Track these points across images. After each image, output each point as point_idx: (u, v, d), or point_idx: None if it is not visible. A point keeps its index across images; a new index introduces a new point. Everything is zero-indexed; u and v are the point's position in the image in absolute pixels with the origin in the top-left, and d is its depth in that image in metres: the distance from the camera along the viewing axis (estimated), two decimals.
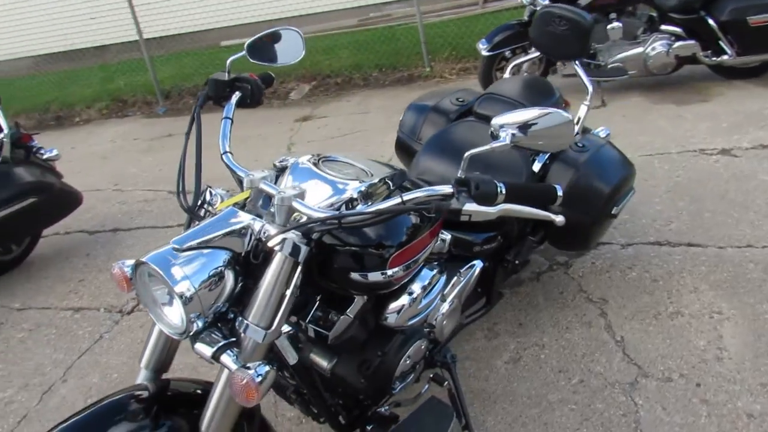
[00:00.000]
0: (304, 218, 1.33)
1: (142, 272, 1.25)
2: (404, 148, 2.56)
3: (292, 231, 1.27)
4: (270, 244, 1.28)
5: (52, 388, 2.55)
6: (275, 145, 5.10)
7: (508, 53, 4.68)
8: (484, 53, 4.74)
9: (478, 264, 2.04)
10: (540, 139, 1.36)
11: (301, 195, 1.35)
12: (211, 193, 1.47)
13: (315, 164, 1.58)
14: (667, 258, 2.71)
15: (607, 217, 2.23)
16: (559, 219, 1.40)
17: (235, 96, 1.68)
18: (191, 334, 1.25)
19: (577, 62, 2.51)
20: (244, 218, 1.32)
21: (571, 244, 2.40)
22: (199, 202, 1.47)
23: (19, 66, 9.05)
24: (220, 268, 1.26)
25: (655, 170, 3.48)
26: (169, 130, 6.14)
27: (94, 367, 2.65)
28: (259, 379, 1.20)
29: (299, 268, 1.29)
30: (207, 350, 1.25)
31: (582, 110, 2.52)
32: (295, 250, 1.26)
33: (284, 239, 1.26)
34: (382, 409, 1.81)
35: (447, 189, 1.30)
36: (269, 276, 1.28)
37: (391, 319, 1.63)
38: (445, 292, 1.91)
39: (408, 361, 1.78)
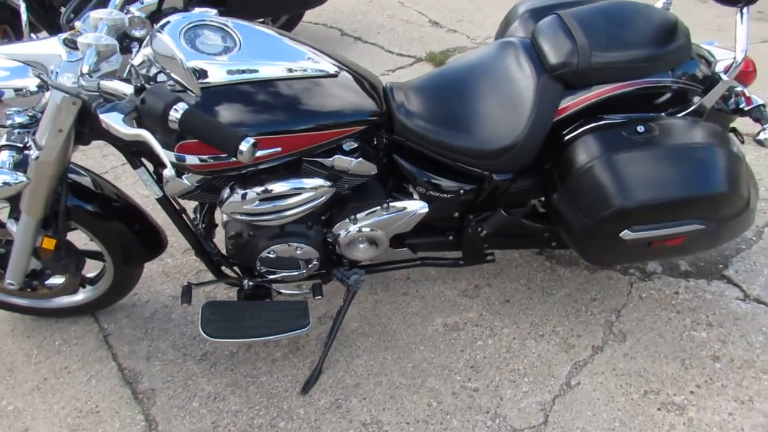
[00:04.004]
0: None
1: None
2: None
3: (63, 79, 1.32)
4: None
5: None
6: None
7: None
8: None
9: (416, 205, 1.74)
10: None
11: (110, 50, 1.33)
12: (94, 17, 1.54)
13: (193, 25, 1.50)
14: None
15: (610, 238, 1.57)
16: (168, 173, 1.13)
17: None
18: (5, 125, 1.50)
19: (743, 11, 1.55)
20: (58, 49, 1.42)
21: (569, 244, 1.78)
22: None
23: None
24: (25, 82, 1.42)
25: None
26: None
27: None
28: None
29: (67, 114, 1.37)
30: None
31: (717, 87, 1.64)
32: (56, 96, 1.34)
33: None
34: (251, 282, 1.85)
35: (129, 89, 1.16)
36: (46, 108, 1.41)
37: (223, 204, 1.59)
38: (357, 216, 1.74)
39: (272, 255, 1.75)
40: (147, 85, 1.12)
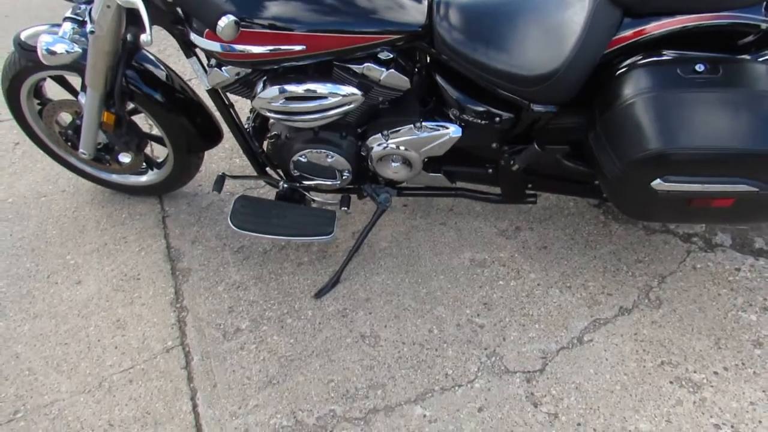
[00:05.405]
0: None
1: None
2: None
3: None
4: None
5: None
6: None
7: None
8: None
9: (450, 128, 1.68)
10: None
11: None
12: None
13: None
14: None
15: (641, 187, 1.41)
16: (145, 38, 1.17)
17: None
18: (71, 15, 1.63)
19: None
20: None
21: (603, 191, 1.61)
22: None
23: None
24: None
25: None
26: None
27: None
28: (46, 48, 1.54)
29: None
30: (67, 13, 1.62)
31: None
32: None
33: None
34: (286, 184, 1.91)
35: None
36: None
37: (255, 99, 1.63)
38: (390, 131, 1.73)
39: (304, 159, 1.79)
40: None
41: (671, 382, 1.53)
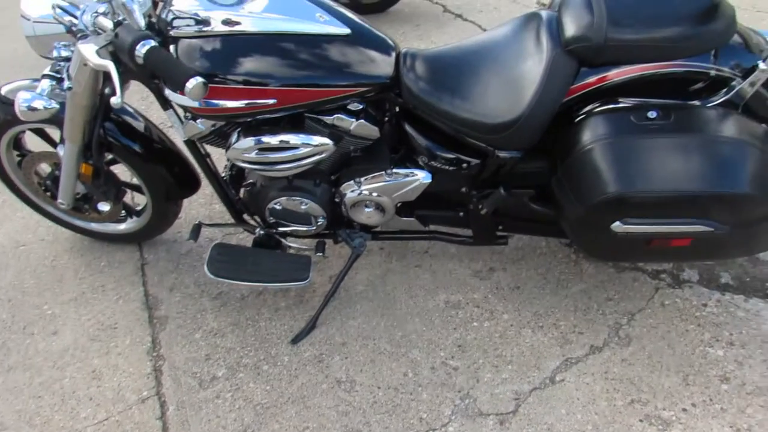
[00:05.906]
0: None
1: None
2: None
3: (85, 17, 1.45)
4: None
5: None
6: None
7: None
8: None
9: (419, 175, 1.73)
10: None
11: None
12: None
13: None
14: None
15: (601, 229, 1.45)
16: (115, 101, 1.21)
17: None
18: (52, 57, 1.68)
19: None
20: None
21: (567, 233, 1.66)
22: None
23: None
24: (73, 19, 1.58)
25: None
26: None
27: None
28: (25, 104, 1.58)
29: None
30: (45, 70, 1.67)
31: (753, 75, 1.44)
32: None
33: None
34: (263, 231, 1.94)
35: (110, 25, 1.25)
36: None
37: (230, 150, 1.67)
38: (362, 179, 1.77)
39: (279, 206, 1.83)
40: (123, 22, 1.22)
41: (641, 420, 1.55)
